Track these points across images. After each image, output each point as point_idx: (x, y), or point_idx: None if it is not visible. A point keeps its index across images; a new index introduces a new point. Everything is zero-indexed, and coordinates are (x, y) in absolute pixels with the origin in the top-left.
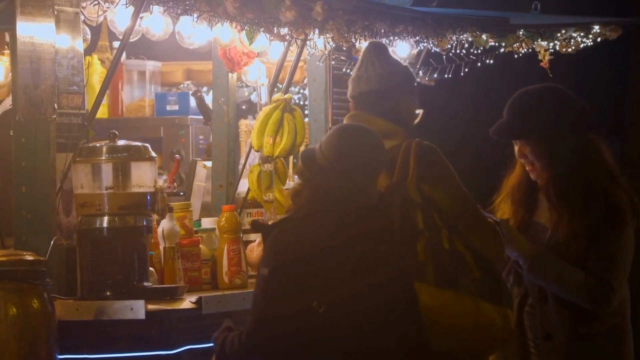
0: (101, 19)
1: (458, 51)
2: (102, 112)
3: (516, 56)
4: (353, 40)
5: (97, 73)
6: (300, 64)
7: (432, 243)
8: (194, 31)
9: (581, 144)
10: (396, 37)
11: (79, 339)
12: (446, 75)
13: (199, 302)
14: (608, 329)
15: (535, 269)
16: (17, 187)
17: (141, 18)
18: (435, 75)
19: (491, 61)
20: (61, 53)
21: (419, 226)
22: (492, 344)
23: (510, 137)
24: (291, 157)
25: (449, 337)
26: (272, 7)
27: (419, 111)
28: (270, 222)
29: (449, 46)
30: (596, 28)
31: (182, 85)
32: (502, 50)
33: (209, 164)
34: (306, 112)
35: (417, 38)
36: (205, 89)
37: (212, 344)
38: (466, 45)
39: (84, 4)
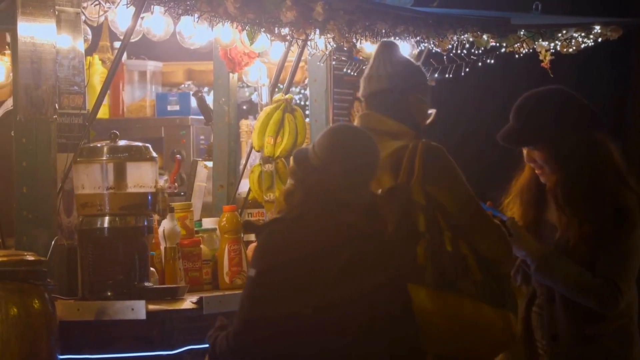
0: (102, 19)
1: (459, 51)
2: (103, 113)
3: (517, 56)
4: (354, 40)
5: (98, 73)
6: (301, 64)
7: (433, 245)
8: (195, 31)
9: (589, 145)
10: (397, 38)
11: (79, 339)
12: (447, 76)
13: (199, 302)
14: (615, 331)
15: (543, 269)
16: (18, 187)
17: (142, 18)
18: (436, 76)
19: (492, 61)
20: (62, 53)
21: (420, 228)
22: (493, 347)
23: (518, 144)
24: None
25: (448, 339)
26: (273, 7)
27: (432, 111)
28: (261, 222)
29: (450, 46)
30: (597, 28)
31: (183, 86)
32: (503, 50)
33: (209, 164)
34: (307, 112)
35: (418, 38)
36: (206, 89)
37: None
38: (467, 45)
39: (85, 4)
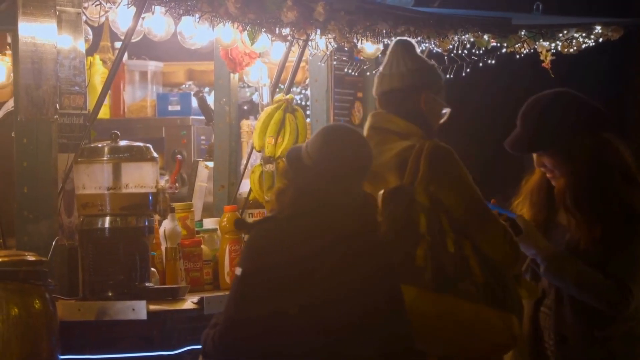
0: (103, 19)
1: (460, 52)
2: (104, 113)
3: (518, 57)
4: (355, 40)
5: (98, 73)
6: (302, 64)
7: (434, 247)
8: (196, 31)
9: (597, 147)
10: (398, 38)
11: (80, 339)
12: (448, 76)
13: (200, 302)
14: (623, 333)
15: (553, 269)
16: (19, 187)
17: (143, 18)
18: None
19: (493, 62)
20: (63, 53)
21: (421, 229)
22: (493, 349)
23: (526, 150)
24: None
25: (446, 341)
26: (274, 8)
27: (446, 110)
28: (251, 221)
29: (451, 47)
30: (598, 28)
31: (183, 86)
32: (503, 50)
33: (210, 164)
34: (308, 112)
35: (419, 38)
36: (207, 89)
37: None
38: (468, 45)
39: (85, 5)
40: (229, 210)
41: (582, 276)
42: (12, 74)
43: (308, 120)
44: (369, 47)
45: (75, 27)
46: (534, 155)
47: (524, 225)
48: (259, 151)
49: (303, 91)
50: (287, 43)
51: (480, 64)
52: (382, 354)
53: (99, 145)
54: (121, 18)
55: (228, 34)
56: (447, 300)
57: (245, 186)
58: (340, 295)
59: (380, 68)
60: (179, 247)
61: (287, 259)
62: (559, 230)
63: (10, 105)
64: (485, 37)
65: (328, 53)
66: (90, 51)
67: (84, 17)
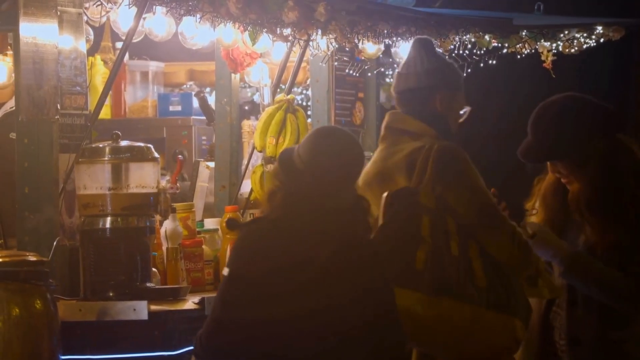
0: (104, 19)
1: (461, 52)
2: (105, 113)
3: (519, 57)
4: (356, 41)
5: (100, 74)
6: (303, 64)
7: (435, 250)
8: (197, 32)
9: (611, 150)
10: (399, 38)
11: (81, 339)
12: None
13: (201, 302)
14: (638, 336)
15: (575, 270)
16: (20, 187)
17: (144, 19)
18: None
19: (494, 62)
20: (64, 54)
21: (423, 232)
22: (494, 353)
23: (539, 160)
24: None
25: (445, 345)
26: (275, 8)
27: (465, 109)
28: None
29: (452, 47)
30: (599, 29)
31: (184, 86)
32: (505, 51)
33: (211, 164)
34: (309, 112)
35: None
36: (208, 89)
37: None
38: (469, 46)
39: (87, 5)
40: (230, 210)
41: (603, 275)
42: (13, 74)
43: (309, 120)
44: (370, 48)
45: (76, 27)
46: (548, 162)
47: (536, 229)
48: (260, 151)
49: (304, 91)
50: (288, 43)
51: (482, 65)
52: None
53: (100, 145)
54: (122, 18)
55: (229, 34)
56: (446, 303)
57: (246, 186)
58: (330, 302)
59: (399, 66)
60: (180, 247)
61: (274, 261)
62: (573, 234)
63: (8, 106)
64: (487, 37)
65: (329, 53)
66: (92, 51)
67: (85, 18)
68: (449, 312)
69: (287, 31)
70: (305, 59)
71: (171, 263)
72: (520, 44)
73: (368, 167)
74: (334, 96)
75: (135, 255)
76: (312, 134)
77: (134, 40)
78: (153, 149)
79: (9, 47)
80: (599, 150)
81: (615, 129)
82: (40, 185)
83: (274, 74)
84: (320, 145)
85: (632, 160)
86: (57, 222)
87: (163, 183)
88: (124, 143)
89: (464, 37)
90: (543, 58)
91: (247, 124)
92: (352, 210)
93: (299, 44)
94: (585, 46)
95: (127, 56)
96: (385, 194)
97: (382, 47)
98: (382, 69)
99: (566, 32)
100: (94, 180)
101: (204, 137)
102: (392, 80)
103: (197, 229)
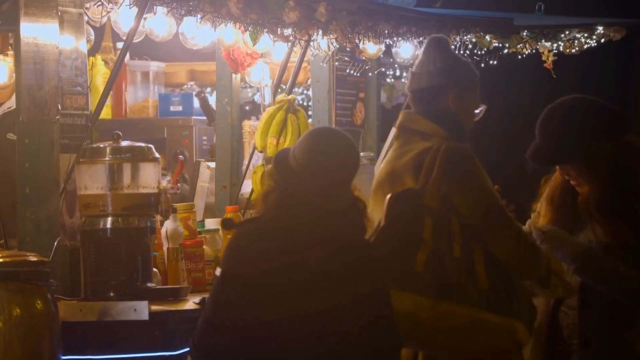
0: (105, 19)
1: (462, 52)
2: (106, 113)
3: (520, 57)
4: (357, 41)
5: (100, 74)
6: (304, 64)
7: (436, 252)
8: (198, 32)
9: (620, 152)
10: (400, 38)
11: (82, 339)
12: None
13: (202, 303)
14: None
15: (588, 265)
16: (21, 188)
17: (145, 19)
18: None
19: (495, 62)
20: (65, 54)
21: (424, 234)
22: (494, 355)
23: (548, 163)
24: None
25: (445, 347)
26: (276, 8)
27: (480, 108)
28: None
29: (453, 47)
30: (600, 29)
31: (185, 86)
32: (505, 51)
33: (212, 164)
34: (310, 113)
35: (421, 39)
36: (208, 89)
37: None
38: (470, 46)
39: (87, 5)
40: (230, 210)
41: (619, 271)
42: (14, 74)
43: (310, 120)
44: (370, 48)
45: (77, 27)
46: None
47: (549, 232)
48: (261, 151)
49: (305, 91)
50: (289, 43)
51: (482, 65)
52: None
53: (101, 145)
54: (123, 18)
55: (230, 35)
56: (445, 306)
57: (247, 187)
58: (323, 304)
59: (414, 65)
60: (180, 247)
61: (267, 262)
62: (581, 235)
63: (6, 106)
64: (487, 37)
65: (330, 53)
66: (92, 51)
67: (85, 18)
68: (449, 315)
69: (287, 31)
70: (306, 59)
71: (172, 263)
72: (521, 44)
73: (382, 166)
74: (335, 96)
75: (136, 256)
76: (307, 135)
77: (135, 41)
78: (154, 149)
79: (9, 47)
80: (608, 152)
81: (623, 130)
82: (40, 186)
83: (274, 74)
84: (315, 146)
85: None
86: (58, 222)
87: (164, 183)
88: (124, 143)
89: (465, 37)
90: (544, 58)
91: (247, 124)
92: (348, 211)
93: (300, 44)
94: (586, 46)
95: (127, 56)
96: (388, 195)
97: (382, 47)
98: (383, 69)
99: (567, 32)
100: (95, 181)
101: (204, 137)
102: (392, 80)
103: (198, 229)
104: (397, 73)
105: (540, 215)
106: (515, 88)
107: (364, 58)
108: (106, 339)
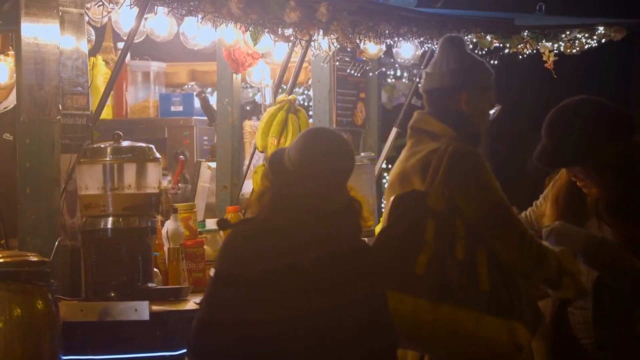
0: (105, 19)
1: None
2: (107, 113)
3: (520, 57)
4: (357, 41)
5: (101, 74)
6: (305, 65)
7: (438, 254)
8: (199, 32)
9: (628, 153)
10: (400, 38)
11: (83, 340)
12: None
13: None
14: None
15: (598, 255)
16: (22, 188)
17: (145, 19)
18: None
19: (495, 62)
20: (66, 54)
21: (426, 236)
22: (494, 357)
23: (556, 165)
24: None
25: (444, 350)
26: (277, 8)
27: (495, 109)
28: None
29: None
30: (601, 29)
31: (186, 86)
32: (506, 51)
33: (213, 164)
34: (310, 113)
35: (422, 39)
36: (209, 89)
37: None
38: (470, 46)
39: (88, 5)
40: (231, 210)
41: (630, 259)
42: (14, 74)
43: (311, 121)
44: (371, 48)
45: (77, 27)
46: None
47: (556, 228)
48: (262, 152)
49: (306, 92)
50: (290, 44)
51: None
52: None
53: (102, 145)
54: (124, 18)
55: (231, 35)
56: (446, 309)
57: (247, 187)
58: (318, 305)
59: (429, 65)
60: (181, 247)
61: (261, 262)
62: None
63: (2, 106)
64: (488, 37)
65: (331, 53)
66: (93, 52)
67: (86, 18)
68: (449, 317)
69: (288, 31)
70: (306, 59)
71: (173, 263)
72: (521, 45)
73: (394, 167)
74: (336, 96)
75: (136, 256)
76: (302, 135)
77: (136, 41)
78: (154, 150)
79: (10, 47)
80: (616, 153)
81: (631, 131)
82: (41, 186)
83: (275, 74)
84: (310, 147)
85: None
86: (59, 222)
87: (164, 183)
88: (125, 143)
89: (466, 37)
90: (545, 58)
91: (248, 125)
92: (343, 212)
93: (301, 44)
94: (587, 47)
95: (128, 56)
96: (392, 197)
97: (383, 47)
98: (384, 69)
99: (568, 32)
100: (96, 181)
101: (205, 138)
102: (393, 80)
103: (199, 230)
104: (398, 73)
105: (545, 215)
106: (516, 88)
107: (364, 58)
108: (107, 339)
